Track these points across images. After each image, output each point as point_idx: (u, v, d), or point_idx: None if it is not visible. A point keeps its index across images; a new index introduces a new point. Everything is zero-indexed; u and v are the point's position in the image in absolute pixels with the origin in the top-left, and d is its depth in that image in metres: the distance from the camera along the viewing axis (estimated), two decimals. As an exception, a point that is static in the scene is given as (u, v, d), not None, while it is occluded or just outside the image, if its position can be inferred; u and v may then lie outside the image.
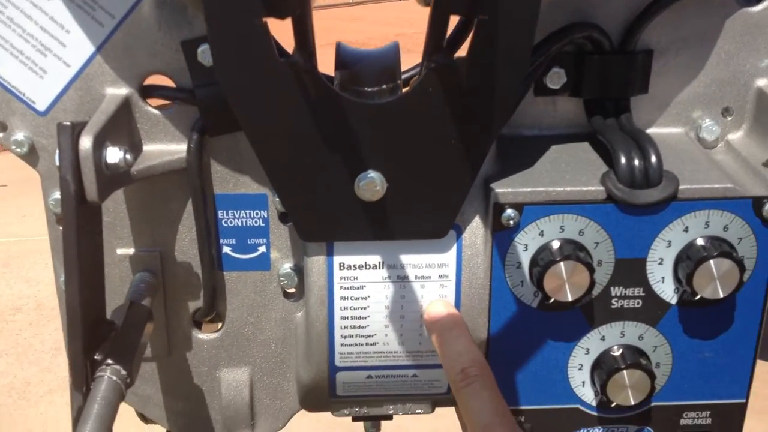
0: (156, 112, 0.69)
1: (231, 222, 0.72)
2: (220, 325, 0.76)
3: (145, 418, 0.82)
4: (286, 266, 0.73)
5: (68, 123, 0.60)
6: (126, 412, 0.74)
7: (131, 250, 0.72)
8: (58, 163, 0.62)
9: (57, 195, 0.70)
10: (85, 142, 0.60)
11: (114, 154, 0.63)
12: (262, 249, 0.73)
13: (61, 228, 0.71)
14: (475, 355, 0.62)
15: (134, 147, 0.68)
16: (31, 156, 0.70)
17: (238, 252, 0.73)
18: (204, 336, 0.75)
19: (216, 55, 0.58)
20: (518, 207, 0.64)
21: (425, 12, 0.59)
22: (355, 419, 0.77)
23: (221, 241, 0.73)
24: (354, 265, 0.66)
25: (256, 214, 0.72)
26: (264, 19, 0.56)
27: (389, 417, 0.77)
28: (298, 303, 0.74)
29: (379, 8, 10.99)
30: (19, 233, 4.81)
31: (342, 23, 9.08)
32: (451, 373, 0.62)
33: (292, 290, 0.74)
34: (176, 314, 0.75)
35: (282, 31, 0.59)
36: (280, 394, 0.77)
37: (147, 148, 0.70)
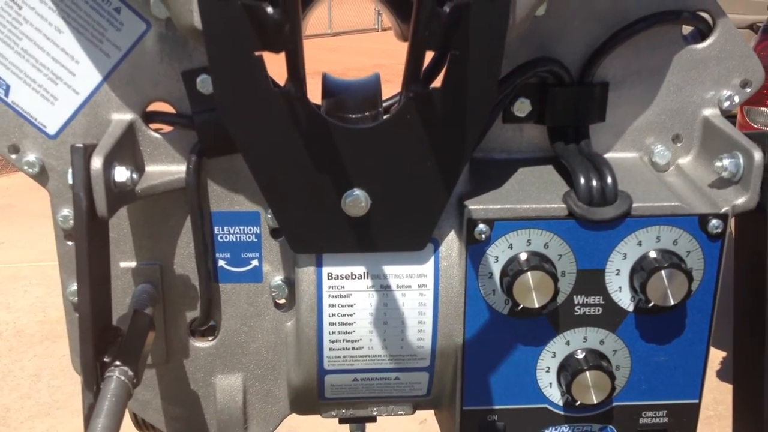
0: (158, 135, 0.75)
1: (226, 237, 0.78)
2: (212, 336, 0.81)
3: (139, 425, 0.87)
4: (277, 278, 0.79)
5: (81, 145, 0.66)
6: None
7: (133, 263, 0.78)
8: (71, 182, 0.68)
9: (65, 212, 0.76)
10: (96, 162, 0.66)
11: (122, 174, 0.69)
12: (255, 263, 0.79)
13: (68, 243, 0.77)
14: None
15: (138, 167, 0.74)
16: (41, 176, 0.75)
17: (233, 265, 0.79)
18: (200, 344, 0.81)
19: (216, 85, 0.65)
20: (489, 222, 0.71)
21: (402, 45, 0.66)
22: (341, 421, 0.83)
23: (217, 255, 0.78)
24: (341, 275, 0.72)
25: (250, 230, 0.78)
26: (260, 53, 0.63)
27: (373, 419, 0.82)
28: (288, 313, 0.79)
29: (358, 39, 11.12)
30: (-3, 260, 4.82)
31: (321, 53, 9.18)
32: None
33: (283, 301, 0.80)
34: (174, 323, 0.80)
35: (273, 61, 0.65)
36: (271, 398, 0.82)
37: (149, 168, 0.76)
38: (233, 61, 0.63)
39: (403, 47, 0.64)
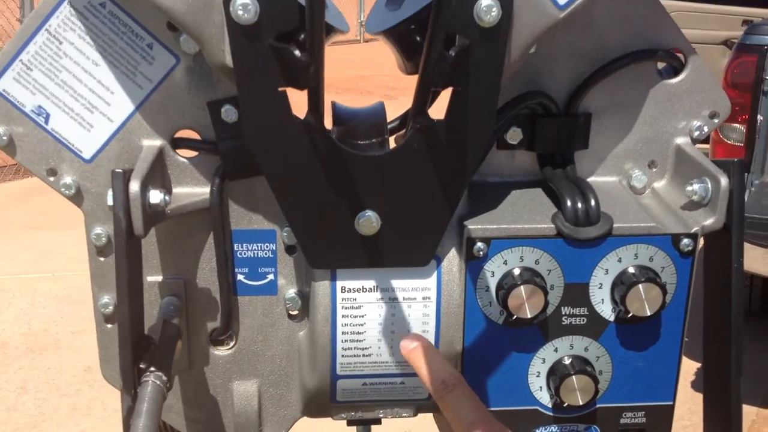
0: (184, 160, 0.83)
1: (244, 254, 0.85)
2: (231, 344, 0.88)
3: (159, 428, 0.94)
4: (291, 291, 0.86)
5: (120, 170, 0.74)
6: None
7: (160, 278, 0.85)
8: (109, 203, 0.75)
9: (98, 230, 0.83)
10: (134, 186, 0.74)
11: (155, 196, 0.76)
12: (271, 277, 0.86)
13: (100, 259, 0.84)
14: (450, 369, 0.75)
15: (167, 190, 0.81)
16: (77, 197, 0.82)
17: (250, 279, 0.86)
18: (219, 352, 0.88)
19: (244, 115, 0.73)
20: (487, 241, 0.79)
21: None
22: (350, 423, 0.90)
23: (236, 269, 0.86)
24: (353, 289, 0.80)
25: (266, 247, 0.86)
26: (283, 89, 0.71)
27: (379, 421, 0.90)
28: (301, 323, 0.87)
29: (339, 50, 11.19)
30: (-20, 274, 4.83)
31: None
32: (434, 384, 0.74)
33: (296, 312, 0.87)
34: (196, 333, 0.87)
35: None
36: (284, 403, 0.89)
37: (176, 190, 0.83)
38: (260, 95, 0.71)
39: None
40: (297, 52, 0.68)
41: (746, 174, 3.96)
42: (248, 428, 0.89)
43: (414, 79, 0.72)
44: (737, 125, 3.93)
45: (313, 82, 0.69)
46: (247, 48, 0.69)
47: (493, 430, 0.69)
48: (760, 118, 3.94)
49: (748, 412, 3.58)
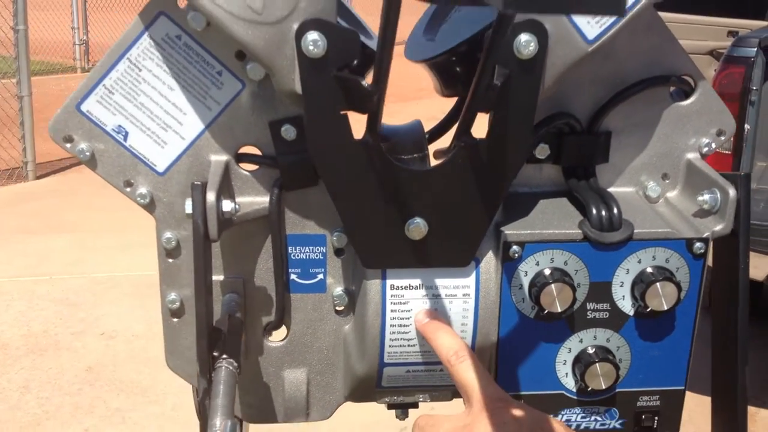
0: (247, 173, 0.92)
1: (297, 255, 0.95)
2: (284, 335, 0.97)
3: (200, 413, 1.02)
4: (338, 289, 0.95)
5: (199, 183, 0.83)
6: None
7: (221, 277, 0.94)
8: (188, 211, 0.84)
9: (168, 235, 0.92)
10: (211, 196, 0.83)
11: (227, 205, 0.85)
12: (320, 276, 0.96)
13: (169, 260, 0.93)
14: (461, 342, 0.85)
15: (233, 200, 0.90)
16: (150, 205, 0.91)
17: (302, 278, 0.95)
18: (272, 344, 0.97)
19: (310, 135, 0.82)
20: (521, 244, 0.88)
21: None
22: (390, 407, 1.00)
23: (290, 270, 0.95)
24: (401, 286, 0.89)
25: (317, 249, 0.95)
26: (346, 111, 0.80)
27: (416, 405, 0.99)
28: (346, 318, 0.96)
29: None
30: (-22, 277, 4.88)
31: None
32: (447, 355, 0.84)
33: (342, 308, 0.96)
34: (252, 326, 0.96)
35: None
36: (329, 389, 0.99)
37: (238, 199, 0.92)
38: (325, 118, 0.81)
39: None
40: (364, 82, 0.78)
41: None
42: (297, 412, 0.99)
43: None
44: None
45: (375, 108, 0.79)
46: (315, 78, 0.79)
47: (494, 395, 0.79)
48: (747, 127, 4.05)
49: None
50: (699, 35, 6.62)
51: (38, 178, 7.11)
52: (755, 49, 4.08)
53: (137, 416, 3.48)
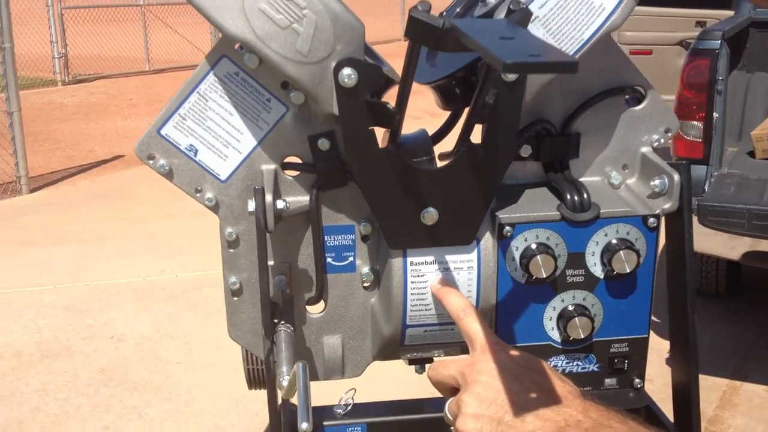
0: (290, 178, 1.14)
1: (332, 242, 1.17)
2: (322, 307, 1.20)
3: (251, 382, 1.22)
4: (366, 269, 1.17)
5: (260, 187, 1.05)
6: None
7: (272, 262, 1.16)
8: (250, 209, 1.06)
9: (230, 230, 1.13)
10: (268, 197, 1.05)
11: (280, 204, 1.08)
12: (350, 259, 1.18)
13: (230, 250, 1.15)
14: (467, 302, 1.06)
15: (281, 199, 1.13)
16: (215, 207, 1.13)
17: (336, 261, 1.18)
18: (313, 315, 1.19)
19: (347, 146, 1.05)
20: (512, 225, 1.11)
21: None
22: (411, 362, 1.22)
23: (326, 254, 1.17)
24: (419, 262, 1.12)
25: (348, 237, 1.17)
26: (373, 128, 1.03)
27: (431, 360, 1.22)
28: (372, 292, 1.18)
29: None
30: (-10, 287, 5.03)
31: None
32: (457, 311, 1.04)
33: (369, 284, 1.18)
34: (296, 301, 1.18)
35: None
36: (360, 351, 1.21)
37: (285, 199, 1.14)
38: (358, 132, 1.03)
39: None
40: (389, 105, 1.01)
41: (706, 167, 4.28)
42: (334, 371, 1.21)
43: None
44: (695, 122, 4.27)
45: (396, 125, 1.02)
46: (349, 103, 1.01)
47: (494, 341, 0.99)
48: (715, 115, 4.27)
49: (719, 384, 3.88)
50: (668, 27, 6.85)
51: (32, 191, 7.28)
52: (719, 41, 4.31)
53: (153, 413, 3.69)
